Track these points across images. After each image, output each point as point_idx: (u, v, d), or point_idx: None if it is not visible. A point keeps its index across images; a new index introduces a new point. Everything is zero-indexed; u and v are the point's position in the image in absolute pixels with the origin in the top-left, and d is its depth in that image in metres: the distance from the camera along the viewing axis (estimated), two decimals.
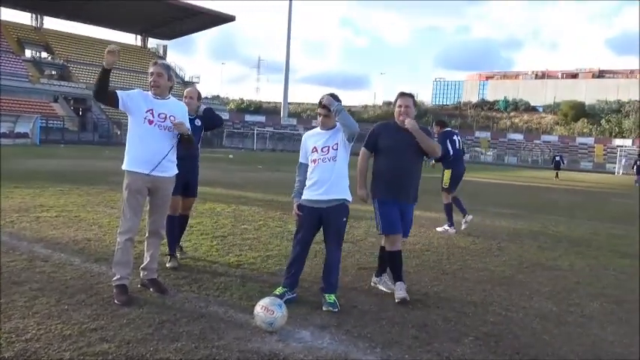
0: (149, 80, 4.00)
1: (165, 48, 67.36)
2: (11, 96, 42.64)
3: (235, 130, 62.10)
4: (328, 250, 4.10)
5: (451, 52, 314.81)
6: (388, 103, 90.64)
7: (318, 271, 4.40)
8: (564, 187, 22.37)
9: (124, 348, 2.97)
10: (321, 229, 4.11)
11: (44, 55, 55.53)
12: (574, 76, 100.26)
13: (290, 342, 3.22)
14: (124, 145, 4.03)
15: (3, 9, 51.88)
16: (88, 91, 47.61)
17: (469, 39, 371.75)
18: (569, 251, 6.84)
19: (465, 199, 8.49)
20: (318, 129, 4.20)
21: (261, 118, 68.91)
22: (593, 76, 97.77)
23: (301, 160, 4.24)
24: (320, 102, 4.05)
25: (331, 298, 3.94)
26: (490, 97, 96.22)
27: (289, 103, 76.69)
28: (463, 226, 7.95)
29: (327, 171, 4.02)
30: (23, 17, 59.88)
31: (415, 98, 4.44)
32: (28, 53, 54.09)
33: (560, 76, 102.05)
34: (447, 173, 7.98)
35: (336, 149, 4.04)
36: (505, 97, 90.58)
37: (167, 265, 4.76)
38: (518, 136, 71.27)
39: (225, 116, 63.15)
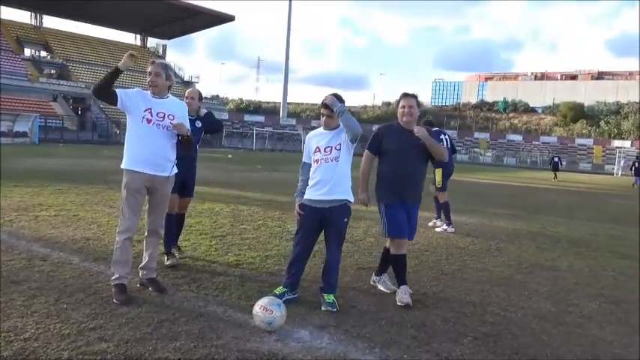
0: (147, 80, 3.99)
1: (164, 48, 67.31)
2: (10, 95, 42.60)
3: (234, 130, 62.05)
4: (328, 250, 4.10)
5: (450, 53, 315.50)
6: (387, 104, 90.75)
7: (317, 270, 4.40)
8: (563, 188, 22.39)
9: (122, 347, 2.97)
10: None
11: (43, 54, 55.47)
12: (573, 77, 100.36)
13: (289, 342, 3.22)
14: (123, 144, 4.03)
15: (2, 7, 51.85)
16: (87, 91, 47.59)
17: (468, 40, 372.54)
18: (568, 252, 6.85)
19: (464, 199, 8.50)
20: (321, 129, 4.19)
21: (261, 118, 68.86)
22: (592, 78, 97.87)
23: (304, 159, 4.23)
24: (323, 102, 4.05)
25: (330, 298, 3.94)
26: (489, 98, 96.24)
27: (288, 103, 76.68)
28: (433, 225, 8.02)
29: (329, 171, 4.02)
30: (23, 16, 59.76)
31: (418, 99, 4.41)
32: (27, 52, 54.02)
33: (559, 78, 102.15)
34: (439, 172, 8.00)
35: (339, 149, 4.03)
36: (504, 98, 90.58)
37: (166, 264, 4.77)
38: (518, 137, 71.28)
39: (224, 116, 63.26)
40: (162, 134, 3.95)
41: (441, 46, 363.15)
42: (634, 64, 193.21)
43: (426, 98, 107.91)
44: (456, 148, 9.72)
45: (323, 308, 3.85)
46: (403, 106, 4.26)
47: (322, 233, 4.13)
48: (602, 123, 73.39)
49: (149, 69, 3.96)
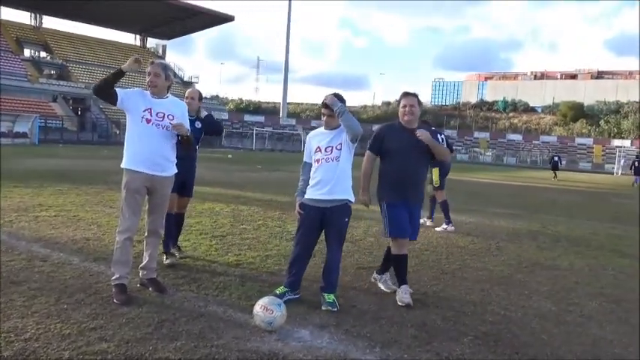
0: (147, 80, 3.99)
1: (164, 48, 67.36)
2: (10, 95, 42.62)
3: (234, 130, 62.08)
4: (329, 250, 4.09)
5: (450, 53, 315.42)
6: (387, 104, 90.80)
7: (318, 270, 4.40)
8: (563, 187, 22.39)
9: (123, 347, 2.97)
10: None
11: (43, 54, 55.49)
12: (573, 76, 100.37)
13: (289, 341, 3.22)
14: (123, 144, 4.03)
15: (2, 8, 51.89)
16: (87, 91, 47.61)
17: (468, 39, 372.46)
18: (568, 251, 6.85)
19: (464, 198, 8.50)
20: (322, 128, 4.19)
21: (260, 118, 68.90)
22: (592, 77, 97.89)
23: (305, 159, 4.23)
24: (324, 102, 4.05)
25: (330, 297, 3.93)
26: (489, 98, 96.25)
27: (288, 103, 76.70)
28: (423, 222, 8.03)
29: (330, 171, 4.01)
30: (22, 16, 59.81)
31: (419, 97, 4.38)
32: (27, 52, 54.06)
33: (559, 77, 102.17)
34: (436, 171, 8.00)
35: (340, 149, 4.03)
36: (504, 98, 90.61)
37: (164, 263, 4.77)
38: (517, 137, 71.32)
39: (224, 116, 63.30)
40: (162, 134, 3.95)
41: (441, 46, 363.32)
42: (634, 64, 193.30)
43: (425, 98, 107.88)
44: (453, 147, 9.73)
45: (323, 308, 3.85)
46: (404, 106, 4.24)
47: (322, 233, 4.13)
48: (602, 122, 73.42)
49: (148, 69, 3.97)
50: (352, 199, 4.11)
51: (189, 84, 58.84)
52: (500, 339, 3.52)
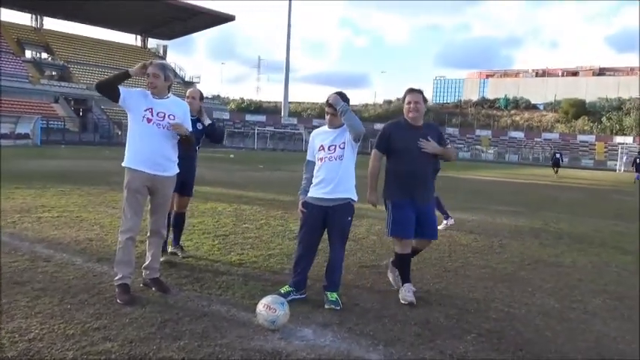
0: (147, 81, 4.00)
1: (165, 48, 67.41)
2: (12, 97, 42.69)
3: (236, 130, 62.10)
4: (332, 249, 4.09)
5: (451, 51, 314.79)
6: (389, 102, 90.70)
7: (320, 269, 4.40)
8: (565, 184, 22.35)
9: (126, 347, 2.98)
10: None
11: (44, 55, 55.58)
12: (574, 73, 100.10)
13: (292, 340, 3.22)
14: (125, 145, 4.04)
15: (2, 10, 51.99)
16: (88, 92, 47.70)
17: (469, 37, 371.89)
18: (571, 248, 6.84)
19: (467, 196, 8.49)
20: (325, 127, 4.18)
21: (262, 118, 68.87)
22: (594, 74, 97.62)
23: (308, 157, 4.22)
24: (327, 101, 4.04)
25: (333, 296, 3.93)
26: (490, 96, 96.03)
27: (290, 103, 76.66)
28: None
29: (333, 170, 4.00)
30: (23, 18, 59.95)
31: (424, 94, 4.32)
32: (28, 54, 54.16)
33: (560, 74, 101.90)
34: None
35: (343, 148, 4.02)
36: (505, 96, 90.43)
37: (160, 259, 4.71)
38: (519, 134, 71.15)
39: (225, 116, 63.38)
40: (163, 134, 3.95)
41: (442, 43, 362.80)
42: (635, 60, 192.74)
43: (427, 96, 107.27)
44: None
45: (326, 306, 3.85)
46: (409, 102, 4.19)
47: (325, 232, 4.12)
48: (603, 119, 73.21)
49: (147, 70, 3.97)
50: (355, 197, 4.10)
51: (190, 84, 58.87)
52: (503, 336, 3.51)
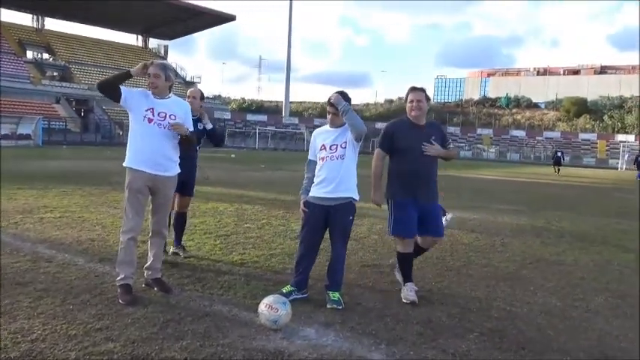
0: (147, 82, 4.00)
1: (166, 48, 67.50)
2: (13, 97, 42.77)
3: (237, 130, 62.12)
4: (333, 248, 4.09)
5: (452, 50, 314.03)
6: (390, 101, 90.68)
7: (322, 268, 4.40)
8: (567, 182, 22.32)
9: (129, 347, 2.98)
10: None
11: (46, 56, 55.67)
12: (576, 72, 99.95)
13: (294, 339, 3.22)
14: (126, 145, 4.04)
15: (3, 10, 52.07)
16: (90, 92, 47.75)
17: (470, 36, 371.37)
18: (573, 246, 6.83)
19: (468, 195, 8.48)
20: (327, 126, 4.17)
21: (263, 118, 68.88)
22: (595, 72, 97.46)
23: (310, 157, 4.22)
24: (329, 100, 4.03)
25: (335, 295, 3.93)
26: (492, 94, 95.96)
27: (291, 102, 76.67)
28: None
29: (334, 169, 4.00)
30: (24, 18, 60.05)
31: (427, 92, 4.29)
32: (29, 54, 54.24)
33: (561, 73, 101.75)
34: None
35: (345, 147, 4.01)
36: (507, 94, 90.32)
37: (162, 260, 4.70)
38: (521, 133, 71.06)
39: (226, 116, 63.40)
40: (164, 134, 3.96)
41: (443, 42, 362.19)
42: (637, 58, 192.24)
43: (429, 95, 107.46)
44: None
45: (328, 306, 3.85)
46: (412, 101, 4.17)
47: (327, 231, 4.12)
48: (605, 117, 73.13)
49: (148, 71, 3.97)
50: (357, 197, 4.10)
51: (191, 84, 58.90)
52: (505, 335, 3.51)
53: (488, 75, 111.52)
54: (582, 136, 68.27)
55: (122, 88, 3.92)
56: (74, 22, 60.68)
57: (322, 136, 4.15)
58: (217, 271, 4.73)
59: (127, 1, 52.01)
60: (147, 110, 3.93)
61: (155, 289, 4.04)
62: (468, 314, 3.90)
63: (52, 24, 59.77)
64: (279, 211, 8.66)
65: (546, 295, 4.51)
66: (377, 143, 4.30)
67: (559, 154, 30.58)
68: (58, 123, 44.26)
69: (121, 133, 45.25)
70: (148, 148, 3.93)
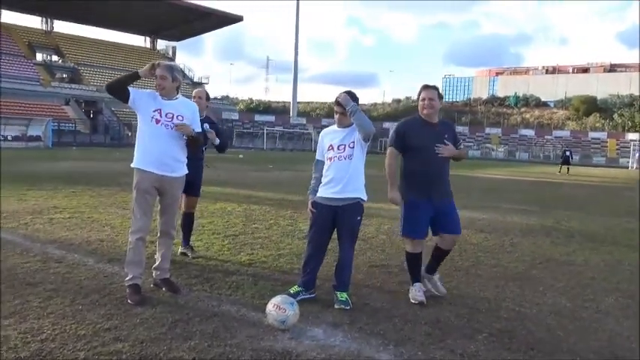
0: (155, 83, 4.02)
1: (174, 49, 67.78)
2: (23, 99, 43.14)
3: (245, 130, 62.28)
4: (341, 249, 4.08)
5: (460, 49, 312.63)
6: (398, 101, 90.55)
7: (330, 269, 4.39)
8: (576, 182, 22.15)
9: (137, 347, 2.99)
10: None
11: (55, 58, 56.10)
12: (585, 70, 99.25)
13: (302, 340, 3.22)
14: (134, 146, 4.07)
15: (13, 13, 52.56)
16: (98, 94, 48.05)
17: (478, 35, 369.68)
18: (583, 246, 6.77)
19: (477, 195, 8.43)
20: (335, 126, 4.16)
21: (271, 118, 68.99)
22: (605, 70, 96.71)
23: (318, 157, 4.21)
24: (336, 100, 4.02)
25: (343, 295, 3.92)
26: (500, 93, 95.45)
27: (298, 103, 76.74)
28: None
29: (342, 169, 3.99)
30: (33, 21, 60.56)
31: (440, 91, 4.24)
32: (39, 57, 54.68)
33: (571, 71, 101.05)
34: None
35: (353, 147, 4.00)
36: (515, 93, 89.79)
37: (170, 260, 4.71)
38: (530, 132, 70.61)
39: (234, 116, 63.57)
40: (171, 135, 3.97)
41: (451, 41, 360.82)
42: None
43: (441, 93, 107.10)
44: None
45: (336, 306, 3.84)
46: (423, 99, 4.11)
47: (335, 231, 4.12)
48: (615, 116, 72.44)
49: (155, 72, 3.99)
50: (364, 197, 4.09)
51: (199, 85, 59.13)
52: (515, 336, 3.49)
53: (497, 74, 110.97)
54: (592, 134, 67.71)
55: (130, 89, 3.96)
56: (83, 24, 61.11)
57: (330, 136, 4.14)
58: (225, 272, 4.74)
59: (135, 1, 52.28)
60: (154, 111, 3.95)
61: (163, 289, 4.06)
62: (477, 315, 3.88)
63: (61, 26, 60.32)
64: (286, 212, 8.66)
65: (556, 296, 4.48)
66: (389, 142, 4.26)
67: (567, 153, 30.34)
68: (67, 124, 44.58)
69: (129, 134, 45.49)
70: (156, 149, 3.95)
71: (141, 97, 3.99)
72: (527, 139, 68.36)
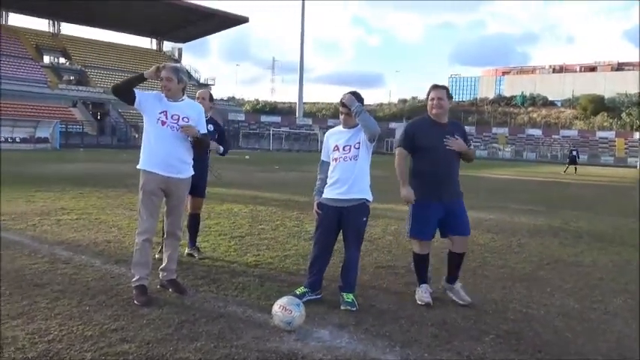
0: (161, 85, 4.03)
1: (180, 51, 68.02)
2: (31, 102, 43.45)
3: (251, 131, 62.42)
4: (347, 250, 4.07)
5: (466, 48, 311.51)
6: (404, 101, 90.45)
7: (336, 270, 4.39)
8: (584, 182, 22.01)
9: (144, 348, 3.00)
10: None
11: (62, 60, 56.50)
12: (592, 69, 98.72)
13: (308, 341, 3.22)
14: (141, 147, 4.08)
15: (20, 16, 52.95)
16: (106, 96, 48.33)
17: (484, 34, 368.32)
18: (591, 247, 6.73)
19: (484, 195, 8.40)
20: (340, 127, 4.15)
21: (277, 119, 69.11)
22: (612, 69, 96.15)
23: (323, 158, 4.20)
24: (341, 101, 4.02)
25: (349, 297, 3.91)
26: (507, 93, 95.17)
27: (304, 103, 76.83)
28: None
29: (348, 170, 3.98)
30: (41, 24, 60.94)
31: (449, 90, 4.21)
32: (46, 59, 55.11)
33: (578, 70, 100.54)
34: None
35: (358, 148, 3.99)
36: (522, 92, 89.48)
37: (156, 256, 4.71)
38: (537, 132, 70.31)
39: (240, 117, 63.73)
40: (177, 136, 3.98)
41: (457, 41, 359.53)
42: None
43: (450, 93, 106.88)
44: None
45: (342, 307, 3.83)
46: (432, 98, 4.09)
47: (341, 232, 4.11)
48: (623, 115, 71.95)
49: (161, 74, 4.00)
50: (370, 198, 4.07)
51: (205, 86, 59.30)
52: (522, 337, 3.46)
53: (503, 73, 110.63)
54: (600, 134, 67.31)
55: (136, 90, 3.97)
56: (90, 26, 61.49)
57: (335, 136, 4.14)
58: (232, 273, 4.75)
59: (141, 1, 52.52)
60: (160, 113, 3.96)
61: (170, 290, 4.07)
62: (484, 316, 3.86)
63: (68, 29, 60.91)
64: (293, 212, 8.67)
65: (564, 297, 4.44)
66: (398, 142, 4.23)
67: (574, 152, 30.14)
68: (75, 126, 44.88)
69: (136, 136, 45.70)
70: (162, 151, 3.96)
71: (147, 98, 4.01)
72: (535, 139, 68.07)
